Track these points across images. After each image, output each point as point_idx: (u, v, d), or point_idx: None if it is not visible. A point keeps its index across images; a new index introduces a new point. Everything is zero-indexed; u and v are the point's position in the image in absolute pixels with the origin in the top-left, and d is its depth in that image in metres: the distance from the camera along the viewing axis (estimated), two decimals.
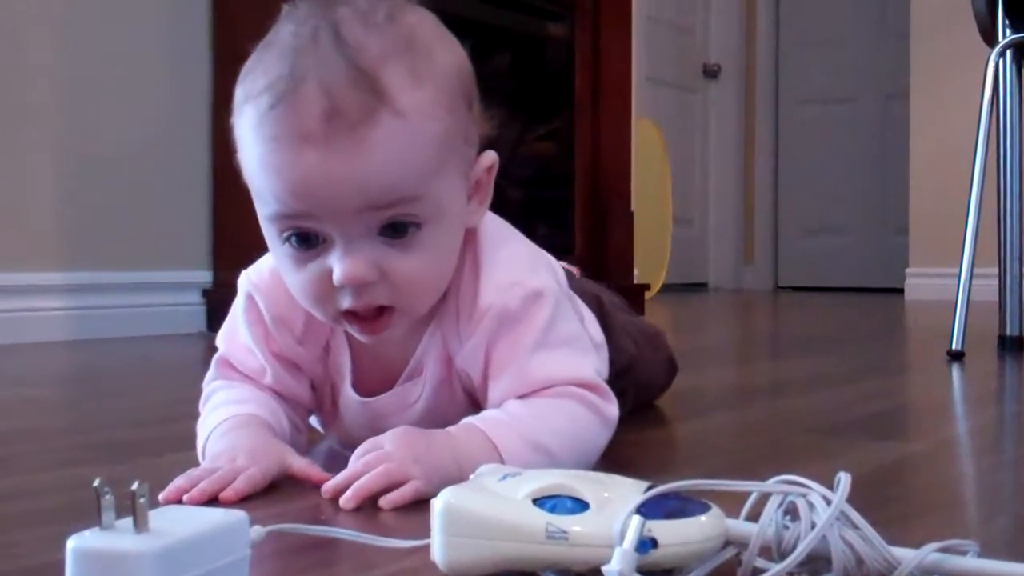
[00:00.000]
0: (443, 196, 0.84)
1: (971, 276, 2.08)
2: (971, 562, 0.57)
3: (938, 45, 4.39)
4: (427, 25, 0.86)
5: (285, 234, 0.83)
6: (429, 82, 0.82)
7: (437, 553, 0.59)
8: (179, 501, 0.77)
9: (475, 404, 0.93)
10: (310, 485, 0.82)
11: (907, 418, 1.41)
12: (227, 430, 0.88)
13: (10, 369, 1.95)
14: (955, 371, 1.82)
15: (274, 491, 0.82)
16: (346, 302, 0.83)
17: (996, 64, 2.18)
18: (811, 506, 0.57)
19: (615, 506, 0.57)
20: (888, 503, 0.85)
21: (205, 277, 2.73)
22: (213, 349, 0.97)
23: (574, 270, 1.50)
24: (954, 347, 1.98)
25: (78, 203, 2.48)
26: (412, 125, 0.80)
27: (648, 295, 3.85)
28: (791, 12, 5.97)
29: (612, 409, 0.90)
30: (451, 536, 0.58)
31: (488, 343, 0.89)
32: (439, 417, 0.91)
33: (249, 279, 0.95)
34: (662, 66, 5.36)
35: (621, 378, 1.15)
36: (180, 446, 0.94)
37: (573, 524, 0.57)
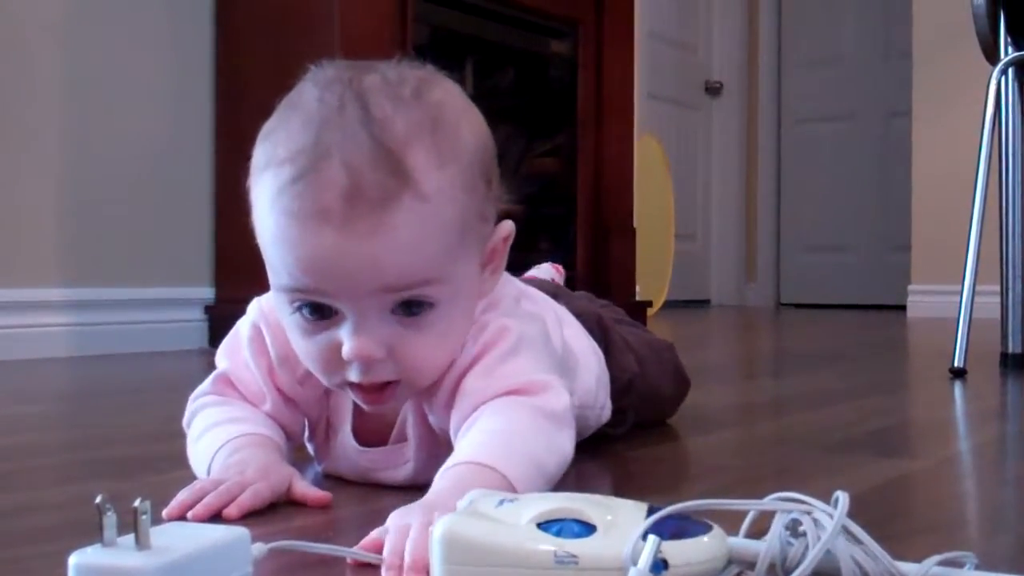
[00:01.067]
0: (459, 277, 0.83)
1: (973, 293, 2.08)
2: (972, 575, 0.57)
3: (940, 63, 4.39)
4: (454, 101, 0.84)
5: (295, 304, 0.82)
6: (452, 164, 0.80)
7: None
8: (183, 517, 0.77)
9: None
10: (315, 507, 0.83)
11: (909, 435, 1.41)
12: (240, 447, 0.87)
13: (12, 385, 1.95)
14: (957, 388, 1.82)
15: (275, 509, 0.82)
16: (353, 375, 0.83)
17: (998, 82, 2.18)
18: (816, 523, 0.56)
19: (622, 529, 0.56)
20: (890, 520, 0.84)
21: (207, 293, 2.73)
22: (215, 365, 0.97)
23: (557, 272, 1.49)
24: (956, 364, 1.97)
25: (80, 219, 2.48)
26: (433, 209, 0.79)
27: (650, 312, 3.85)
28: (793, 30, 5.98)
29: (553, 400, 0.85)
30: (452, 565, 0.56)
31: (451, 396, 0.87)
32: (432, 472, 0.84)
33: (260, 309, 0.93)
34: (664, 83, 5.37)
35: (623, 396, 1.15)
36: (182, 462, 0.94)
37: (582, 548, 0.55)
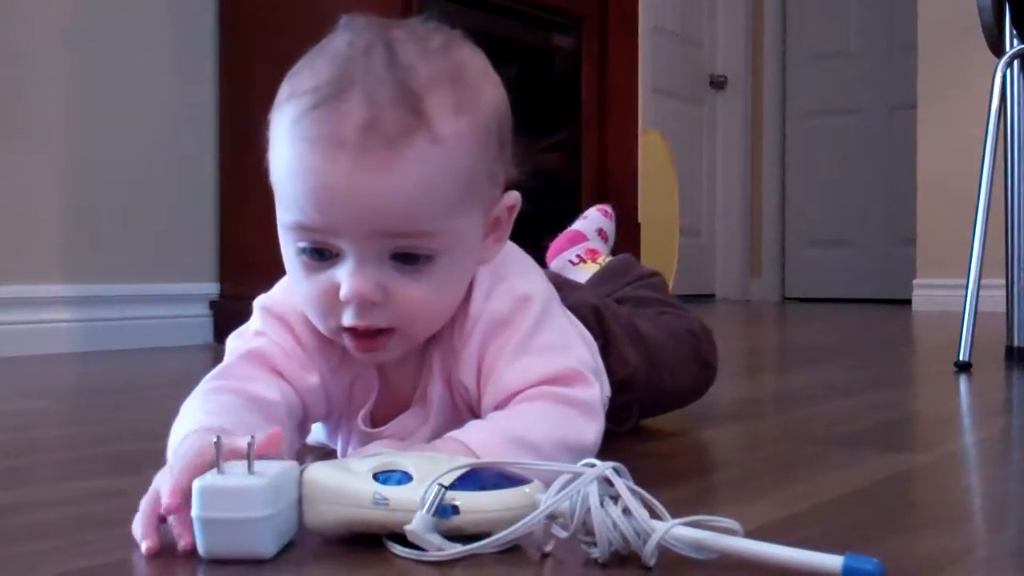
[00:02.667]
0: (460, 232, 0.84)
1: (978, 287, 2.08)
2: (735, 541, 0.63)
3: (945, 56, 4.39)
4: (477, 61, 0.87)
5: (300, 244, 0.83)
6: (469, 115, 0.83)
7: (304, 516, 0.70)
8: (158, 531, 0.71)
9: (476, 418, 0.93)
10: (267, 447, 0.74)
11: (914, 429, 1.41)
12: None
13: (17, 381, 1.95)
14: (962, 382, 1.82)
15: None
16: (347, 318, 0.84)
17: (1003, 74, 2.18)
18: (609, 484, 0.66)
19: (432, 480, 0.67)
20: (895, 514, 0.84)
21: (212, 289, 2.73)
22: (220, 360, 0.96)
23: (605, 223, 1.49)
24: (961, 358, 1.97)
25: (84, 215, 2.48)
26: (445, 153, 0.80)
27: None
28: (798, 23, 5.97)
29: (588, 392, 0.89)
30: (309, 502, 0.70)
31: (480, 349, 0.90)
32: None
33: (285, 307, 0.92)
34: (669, 78, 5.37)
35: (624, 392, 1.13)
36: None
37: (395, 493, 0.68)
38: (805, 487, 0.94)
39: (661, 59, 5.27)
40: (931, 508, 0.91)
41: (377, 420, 0.95)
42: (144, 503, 0.71)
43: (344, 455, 0.98)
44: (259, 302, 0.94)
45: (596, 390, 0.90)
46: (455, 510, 0.67)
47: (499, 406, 0.89)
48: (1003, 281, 2.20)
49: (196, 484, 0.66)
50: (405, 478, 0.69)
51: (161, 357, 2.36)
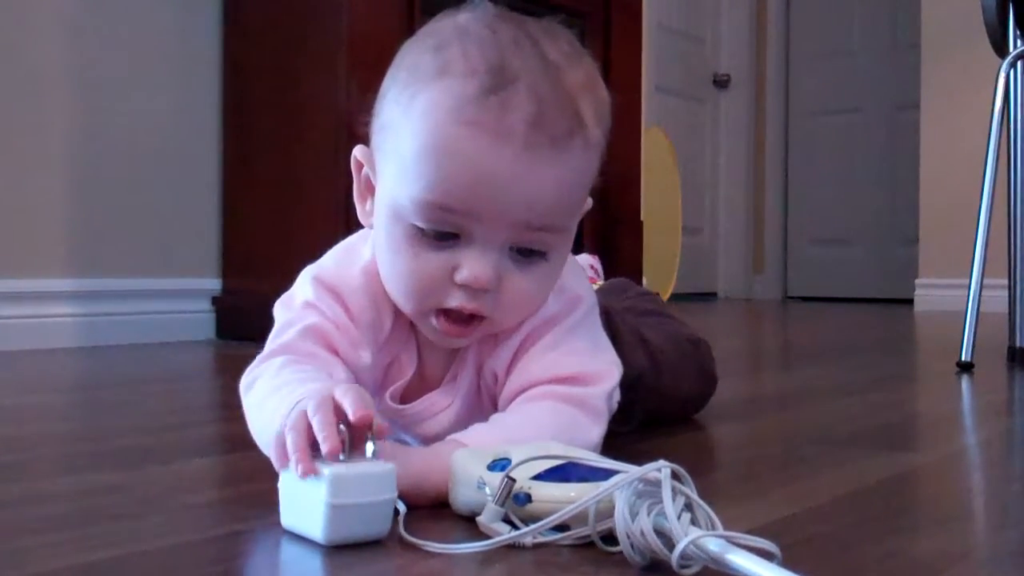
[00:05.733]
0: (571, 232, 0.88)
1: (981, 287, 2.08)
2: (752, 564, 0.61)
3: (948, 56, 4.38)
4: (595, 67, 0.88)
5: (423, 224, 0.82)
6: (604, 125, 0.85)
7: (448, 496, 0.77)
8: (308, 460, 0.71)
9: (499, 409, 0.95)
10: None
11: (916, 429, 1.41)
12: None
13: (19, 376, 1.95)
14: (964, 382, 1.82)
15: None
16: (456, 300, 0.84)
17: (1007, 75, 2.17)
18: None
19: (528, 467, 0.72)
20: (896, 514, 0.84)
21: (214, 284, 2.73)
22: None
23: (594, 261, 1.50)
24: (963, 358, 1.97)
25: (87, 210, 2.48)
26: (590, 160, 0.84)
27: None
28: (801, 22, 5.97)
29: (599, 390, 0.90)
30: (452, 484, 0.77)
31: (521, 342, 0.91)
32: (469, 423, 0.91)
33: (336, 276, 0.91)
34: (672, 76, 5.36)
35: (629, 392, 1.13)
36: (188, 453, 0.94)
37: (492, 479, 0.72)
38: (806, 486, 0.94)
39: (664, 57, 5.26)
40: (932, 508, 0.91)
41: (403, 398, 0.96)
42: (292, 434, 0.70)
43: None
44: (310, 272, 0.93)
45: (609, 388, 0.91)
46: (528, 498, 0.70)
47: (513, 396, 0.90)
48: (1005, 281, 2.20)
49: (327, 472, 0.67)
50: (509, 465, 0.72)
51: (163, 352, 2.36)
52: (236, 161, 2.71)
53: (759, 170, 5.96)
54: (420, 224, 0.83)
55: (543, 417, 0.87)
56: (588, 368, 0.90)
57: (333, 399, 0.72)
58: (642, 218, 3.66)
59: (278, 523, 0.74)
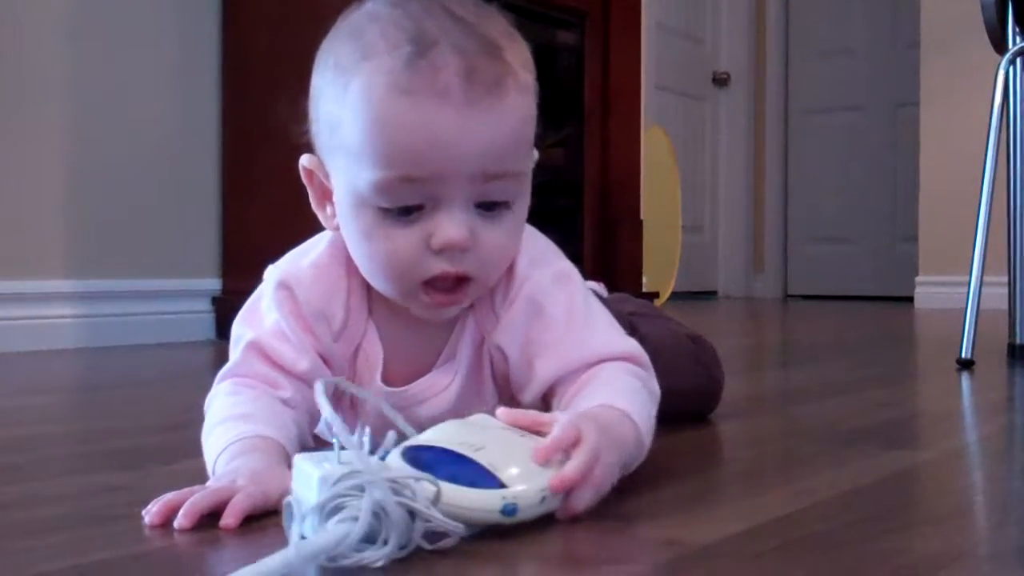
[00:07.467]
0: (527, 179, 0.89)
1: (981, 284, 2.07)
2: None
3: (948, 53, 4.38)
4: (508, 21, 0.90)
5: (386, 205, 0.84)
6: (530, 69, 0.88)
7: None
8: (168, 520, 0.73)
9: (501, 388, 0.95)
10: None
11: (916, 427, 1.41)
12: (237, 453, 0.83)
13: (19, 377, 1.95)
14: (964, 380, 1.82)
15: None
16: (438, 267, 0.85)
17: (1006, 72, 2.17)
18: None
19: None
20: (897, 512, 0.84)
21: (214, 285, 2.73)
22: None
23: (599, 288, 1.49)
24: (963, 355, 1.97)
25: (87, 211, 2.48)
26: (527, 101, 0.87)
27: (657, 303, 3.85)
28: (801, 21, 5.97)
29: (655, 382, 0.92)
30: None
31: (526, 321, 0.92)
32: (469, 401, 0.92)
33: (287, 271, 0.94)
34: (671, 74, 5.36)
35: None
36: (189, 453, 0.94)
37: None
38: (807, 484, 0.94)
39: (664, 56, 5.26)
40: (933, 505, 0.91)
41: (395, 381, 0.96)
42: (195, 497, 0.73)
43: (355, 421, 0.98)
44: (268, 270, 0.96)
45: (656, 379, 0.93)
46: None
47: (563, 380, 0.90)
48: (1006, 278, 2.20)
49: (316, 474, 0.66)
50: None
51: (163, 353, 2.37)
52: (235, 161, 2.71)
53: (759, 168, 5.96)
54: (384, 204, 0.84)
55: (635, 395, 0.88)
56: (629, 347, 0.92)
57: (230, 493, 0.74)
58: (642, 217, 3.66)
59: (278, 524, 0.74)
